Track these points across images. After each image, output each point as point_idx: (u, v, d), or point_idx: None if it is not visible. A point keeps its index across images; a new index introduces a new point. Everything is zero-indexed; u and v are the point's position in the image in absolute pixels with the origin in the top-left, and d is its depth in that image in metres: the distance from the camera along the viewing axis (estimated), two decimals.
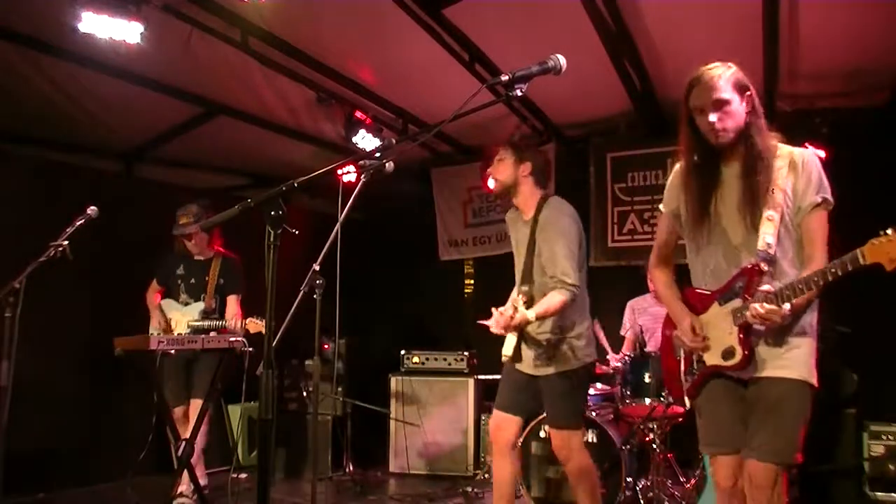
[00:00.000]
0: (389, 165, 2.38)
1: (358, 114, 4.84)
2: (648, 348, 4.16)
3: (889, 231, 1.84)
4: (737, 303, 2.19)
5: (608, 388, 4.44)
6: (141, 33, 3.31)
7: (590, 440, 4.00)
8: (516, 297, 3.14)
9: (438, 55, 3.96)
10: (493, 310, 3.19)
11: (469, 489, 4.84)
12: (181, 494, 3.81)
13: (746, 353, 2.16)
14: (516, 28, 3.80)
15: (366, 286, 6.11)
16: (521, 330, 3.09)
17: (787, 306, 2.03)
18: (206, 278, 4.20)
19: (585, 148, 5.64)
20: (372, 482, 5.15)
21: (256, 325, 3.90)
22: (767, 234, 2.14)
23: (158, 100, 4.43)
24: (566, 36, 3.79)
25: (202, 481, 3.89)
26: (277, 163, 5.82)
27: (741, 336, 2.17)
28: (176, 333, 4.06)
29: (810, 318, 2.22)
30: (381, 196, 4.89)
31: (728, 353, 2.21)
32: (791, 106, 4.63)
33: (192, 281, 4.22)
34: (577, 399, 3.16)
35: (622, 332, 4.78)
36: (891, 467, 4.21)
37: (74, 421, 4.64)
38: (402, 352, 5.55)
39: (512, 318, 2.91)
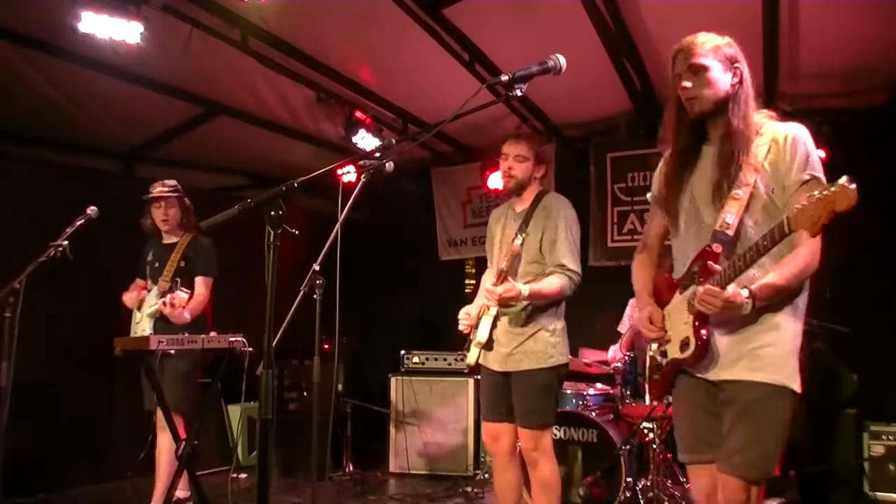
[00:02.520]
0: (389, 165, 2.38)
1: (358, 114, 4.84)
2: None
3: (816, 193, 1.65)
4: (693, 289, 1.99)
5: (608, 388, 4.44)
6: (141, 33, 3.31)
7: (590, 440, 4.00)
8: (490, 281, 3.10)
9: (438, 55, 3.96)
10: (462, 311, 3.21)
11: (469, 489, 4.83)
12: (177, 501, 3.70)
13: (700, 343, 1.95)
14: (516, 28, 3.80)
15: (366, 286, 6.10)
16: (492, 326, 3.06)
17: (736, 290, 1.84)
18: (168, 261, 3.87)
19: (585, 148, 5.65)
20: (372, 482, 5.15)
21: (179, 298, 3.55)
22: (729, 214, 1.95)
23: (158, 100, 4.43)
24: (566, 36, 3.79)
25: (183, 493, 3.71)
26: (277, 163, 5.82)
27: (696, 324, 1.97)
28: (140, 329, 3.80)
29: (790, 312, 1.96)
30: (381, 196, 4.91)
31: (684, 345, 2.01)
32: (791, 106, 4.62)
33: (157, 265, 3.92)
34: (550, 398, 3.04)
35: (619, 328, 4.77)
36: (891, 467, 4.21)
37: (74, 421, 4.64)
38: (402, 352, 5.54)
39: (507, 292, 2.83)
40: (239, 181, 6.31)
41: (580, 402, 4.36)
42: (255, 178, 6.30)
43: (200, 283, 3.87)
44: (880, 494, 4.19)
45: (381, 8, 3.50)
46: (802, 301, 2.01)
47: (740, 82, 2.02)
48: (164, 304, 3.61)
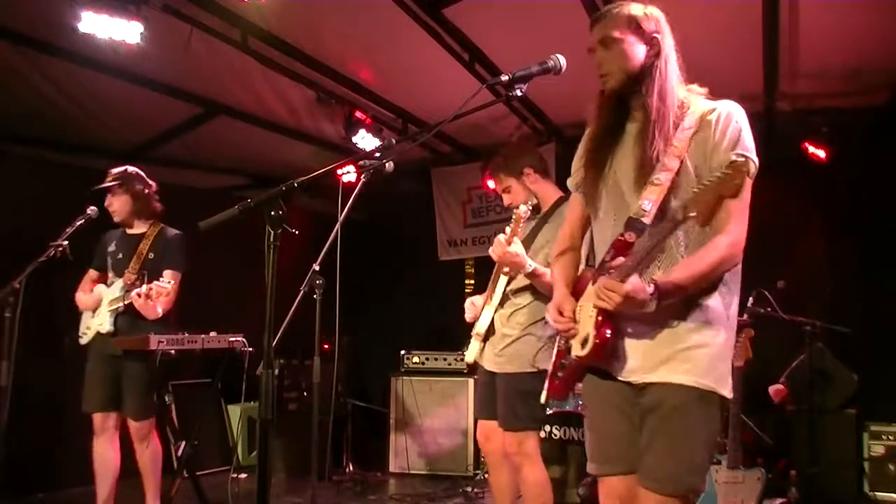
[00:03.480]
0: (389, 165, 2.38)
1: (358, 114, 4.84)
2: None
3: (715, 175, 1.56)
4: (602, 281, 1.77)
5: None
6: (141, 33, 3.30)
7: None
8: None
9: (438, 55, 3.96)
10: (468, 301, 3.20)
11: (469, 489, 4.84)
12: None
13: (597, 341, 1.73)
14: (516, 28, 3.80)
15: (366, 286, 6.11)
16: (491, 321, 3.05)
17: (637, 283, 1.63)
18: (134, 253, 3.60)
19: None
20: (372, 482, 5.15)
21: (160, 289, 3.29)
22: (646, 201, 1.74)
23: (158, 100, 4.42)
24: (566, 36, 3.77)
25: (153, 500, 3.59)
26: (277, 163, 5.82)
27: (598, 319, 1.74)
28: (96, 324, 3.55)
29: (721, 309, 1.77)
30: (381, 196, 4.90)
31: (585, 341, 1.78)
32: (791, 106, 4.63)
33: (120, 256, 3.62)
34: (534, 402, 2.86)
35: None
36: (891, 467, 4.21)
37: (74, 421, 4.63)
38: (402, 352, 5.55)
39: (513, 255, 2.77)
40: (239, 181, 6.31)
41: (580, 402, 4.35)
42: (255, 178, 6.30)
43: (168, 276, 3.47)
44: (880, 494, 4.19)
45: (381, 8, 3.50)
46: (735, 298, 1.82)
47: (657, 55, 1.81)
48: (140, 294, 3.29)
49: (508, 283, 3.03)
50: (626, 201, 1.84)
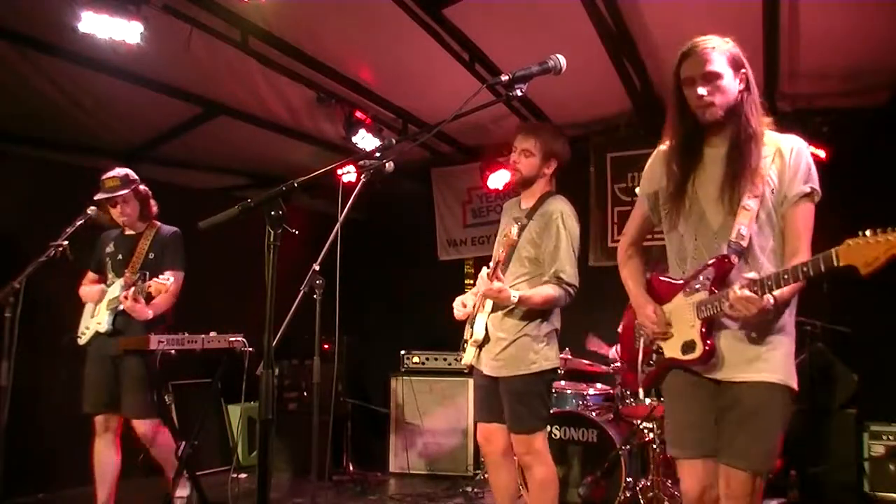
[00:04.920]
0: (389, 165, 2.37)
1: (358, 114, 4.84)
2: None
3: (868, 233, 1.70)
4: (702, 295, 2.06)
5: (608, 388, 4.44)
6: (141, 33, 3.31)
7: (590, 440, 4.00)
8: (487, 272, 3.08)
9: (438, 55, 3.96)
10: (457, 300, 3.20)
11: (469, 489, 4.84)
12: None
13: (706, 349, 2.03)
14: (516, 28, 3.80)
15: (366, 286, 6.10)
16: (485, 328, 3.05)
17: (769, 298, 1.90)
18: (134, 253, 3.65)
19: (585, 148, 5.64)
20: (372, 482, 5.15)
21: (159, 285, 3.33)
22: (742, 226, 2.02)
23: (158, 100, 4.42)
24: (566, 36, 3.79)
25: (184, 492, 3.71)
26: (277, 163, 5.82)
27: (703, 330, 2.05)
28: (94, 323, 3.59)
29: (789, 318, 2.08)
30: (381, 196, 4.91)
31: (688, 347, 2.08)
32: (791, 106, 4.63)
33: (120, 257, 3.67)
34: (538, 403, 2.98)
35: (619, 329, 4.75)
36: (891, 467, 4.21)
37: (74, 421, 4.63)
38: (402, 352, 5.55)
39: (498, 291, 2.83)
40: (239, 181, 6.31)
41: (580, 402, 4.36)
42: (255, 178, 6.30)
43: (171, 276, 3.47)
44: (880, 494, 4.19)
45: (381, 8, 3.50)
46: (794, 303, 2.10)
47: (747, 88, 2.07)
48: (126, 297, 3.37)
49: None
50: (707, 220, 2.10)
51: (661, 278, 2.25)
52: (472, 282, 6.33)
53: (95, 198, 3.60)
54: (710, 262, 2.06)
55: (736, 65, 2.05)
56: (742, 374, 2.03)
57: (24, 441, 3.69)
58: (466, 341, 3.14)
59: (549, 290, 2.90)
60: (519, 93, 1.93)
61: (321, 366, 2.88)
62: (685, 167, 2.14)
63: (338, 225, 2.48)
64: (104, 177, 3.64)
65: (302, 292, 2.53)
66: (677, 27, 3.91)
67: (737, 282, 1.96)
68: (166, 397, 3.85)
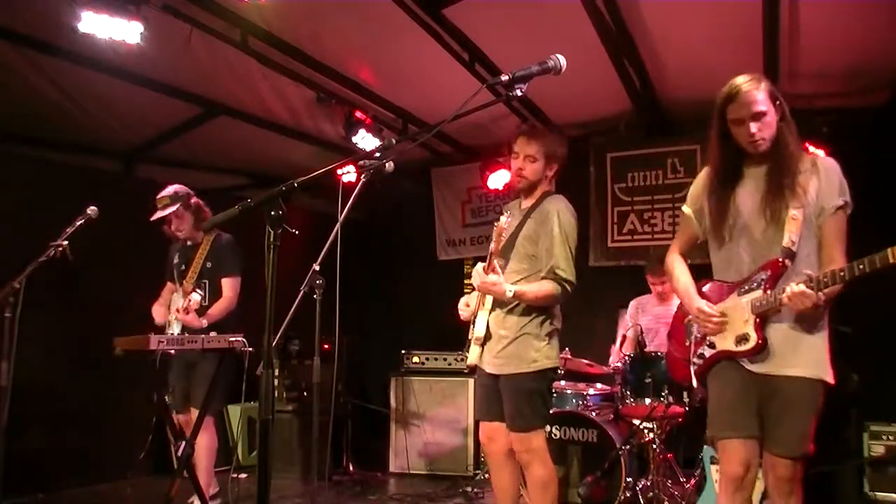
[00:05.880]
0: (389, 165, 2.37)
1: (358, 114, 4.84)
2: (649, 348, 4.15)
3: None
4: (757, 294, 2.29)
5: (608, 388, 4.44)
6: (141, 33, 3.31)
7: (590, 440, 4.00)
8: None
9: (438, 55, 3.96)
10: (461, 301, 3.22)
11: (469, 489, 4.84)
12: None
13: (760, 340, 2.26)
14: (516, 28, 3.80)
15: (366, 286, 6.10)
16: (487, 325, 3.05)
17: (820, 294, 2.12)
18: (192, 263, 3.93)
19: (585, 148, 5.64)
20: (372, 482, 5.15)
21: (192, 304, 3.67)
22: (792, 233, 2.26)
23: (158, 100, 4.43)
24: (566, 36, 3.79)
25: (212, 490, 3.85)
26: (277, 163, 5.82)
27: (757, 321, 2.28)
28: (169, 331, 3.86)
29: (826, 316, 2.32)
30: (381, 196, 4.90)
31: (742, 339, 2.32)
32: (791, 106, 4.61)
33: (183, 268, 3.99)
34: (538, 401, 2.98)
35: (622, 330, 4.77)
36: (891, 467, 4.20)
37: (74, 421, 4.64)
38: (402, 352, 5.55)
39: (492, 284, 2.87)
40: (239, 181, 6.31)
41: (580, 402, 4.35)
42: (255, 178, 6.30)
43: (227, 285, 3.93)
44: (880, 494, 4.18)
45: (381, 8, 3.50)
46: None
47: (783, 118, 2.34)
48: (178, 310, 3.72)
49: None
50: (751, 231, 2.36)
51: (715, 282, 2.50)
52: (471, 282, 6.35)
53: (151, 218, 3.90)
54: (766, 264, 2.30)
55: (773, 98, 2.32)
56: (783, 369, 2.27)
57: (24, 441, 3.68)
58: (470, 340, 3.15)
59: (546, 286, 2.92)
60: (519, 93, 1.92)
61: (321, 366, 2.88)
62: (728, 189, 2.41)
63: (338, 225, 2.48)
64: (157, 197, 3.93)
65: (302, 292, 2.53)
66: (678, 27, 3.93)
67: (788, 282, 2.18)
68: (166, 397, 3.86)
